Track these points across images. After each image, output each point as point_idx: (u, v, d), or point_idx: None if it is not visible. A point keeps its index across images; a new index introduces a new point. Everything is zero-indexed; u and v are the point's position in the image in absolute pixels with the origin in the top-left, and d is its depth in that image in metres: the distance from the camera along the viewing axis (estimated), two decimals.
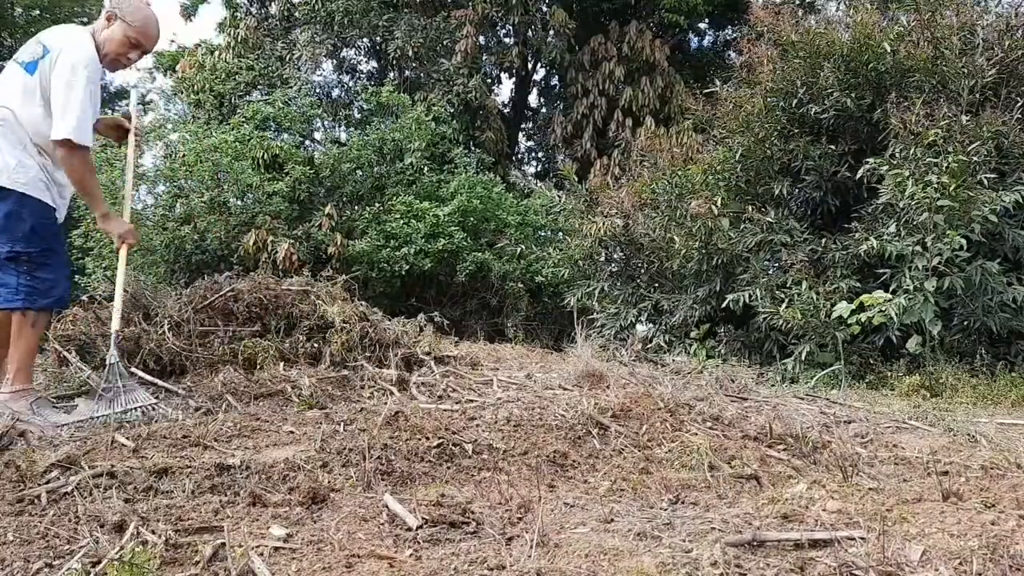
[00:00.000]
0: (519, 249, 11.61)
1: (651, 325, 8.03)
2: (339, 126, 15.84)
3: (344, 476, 2.44)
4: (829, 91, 7.18)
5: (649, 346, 7.54)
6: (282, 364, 3.81)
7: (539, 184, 12.47)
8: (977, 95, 6.55)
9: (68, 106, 3.06)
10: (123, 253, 3.51)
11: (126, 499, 2.16)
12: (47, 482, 2.25)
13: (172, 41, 17.58)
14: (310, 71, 15.45)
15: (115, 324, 3.39)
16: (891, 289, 5.90)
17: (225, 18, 16.20)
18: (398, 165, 12.39)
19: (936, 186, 5.87)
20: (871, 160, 6.54)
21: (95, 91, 3.17)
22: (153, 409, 3.15)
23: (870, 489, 2.52)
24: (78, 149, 3.11)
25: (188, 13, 18.07)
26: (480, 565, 1.80)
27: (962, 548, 1.87)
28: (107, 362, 3.28)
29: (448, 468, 2.61)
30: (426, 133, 12.38)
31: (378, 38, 15.26)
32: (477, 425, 3.05)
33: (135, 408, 3.11)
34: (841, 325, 5.73)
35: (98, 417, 3.04)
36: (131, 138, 3.68)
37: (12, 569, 1.74)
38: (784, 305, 6.31)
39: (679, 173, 8.32)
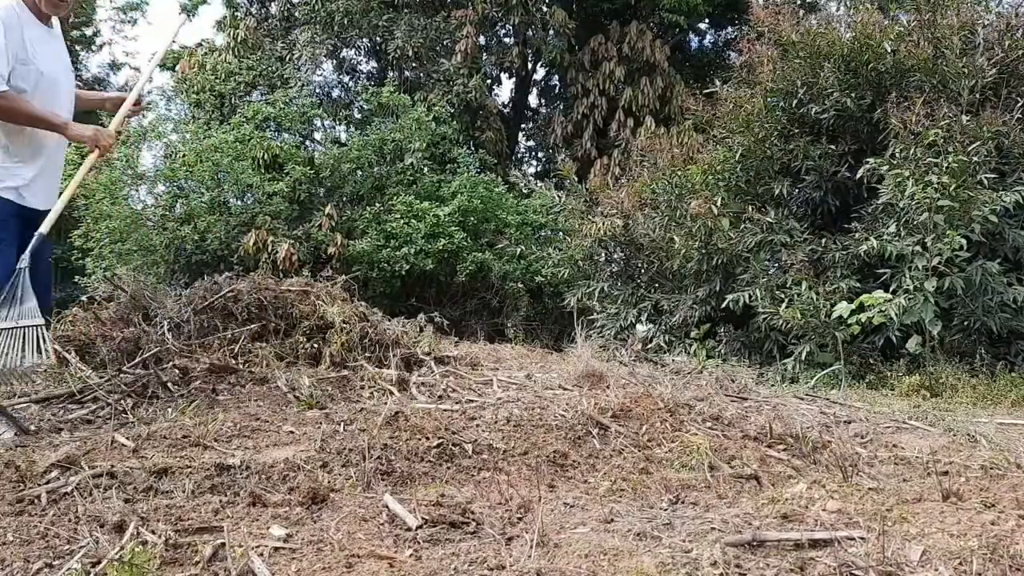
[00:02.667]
0: (519, 249, 11.62)
1: (651, 325, 8.03)
2: (339, 126, 15.85)
3: (344, 476, 2.43)
4: (829, 91, 7.18)
5: (649, 346, 7.54)
6: (283, 364, 3.82)
7: (539, 184, 12.47)
8: (977, 95, 6.55)
9: None
10: (89, 160, 3.29)
11: (126, 499, 2.16)
12: (47, 482, 2.25)
13: (173, 41, 17.57)
14: (310, 71, 15.45)
15: (44, 227, 3.14)
16: (891, 289, 5.90)
17: (224, 17, 16.21)
18: (398, 165, 12.39)
19: (936, 186, 5.87)
20: (871, 160, 6.54)
21: (11, 36, 3.01)
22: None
23: (870, 489, 2.52)
24: None
25: (188, 13, 18.04)
26: (480, 565, 1.80)
27: (962, 548, 1.87)
28: (17, 266, 2.97)
29: (448, 468, 2.60)
30: (426, 133, 12.39)
31: (378, 38, 15.26)
32: (477, 425, 3.05)
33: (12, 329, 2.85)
34: (841, 325, 5.73)
35: None
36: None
37: (12, 569, 1.74)
38: (784, 305, 6.31)
39: (679, 173, 8.32)
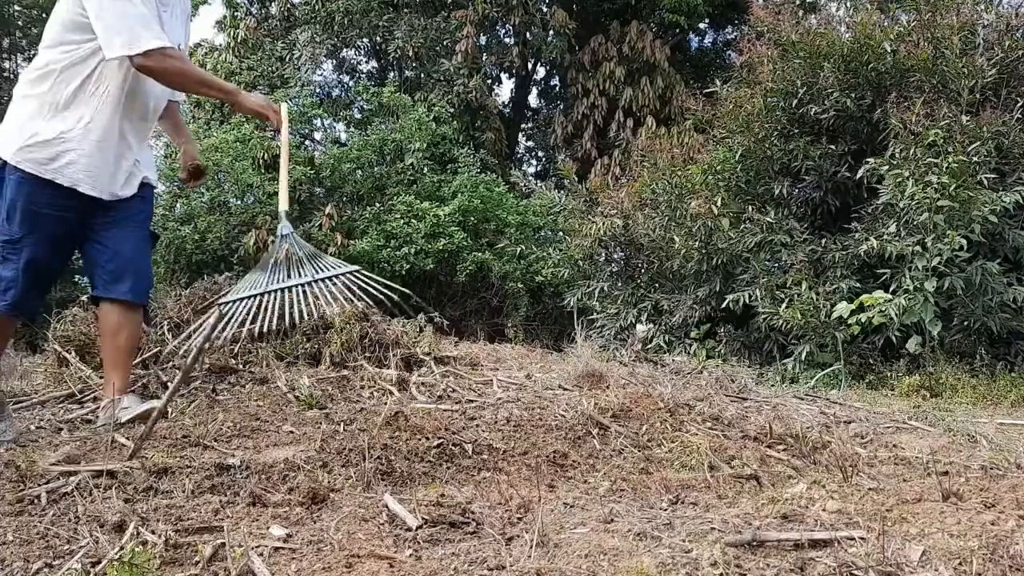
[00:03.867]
0: (519, 249, 11.62)
1: (651, 325, 8.02)
2: (339, 126, 15.87)
3: (344, 476, 2.43)
4: (829, 91, 7.17)
5: (649, 346, 7.54)
6: (282, 364, 3.82)
7: (539, 184, 12.48)
8: (977, 95, 6.55)
9: (104, 16, 2.47)
10: (285, 131, 3.04)
11: (126, 499, 2.16)
12: (47, 482, 2.25)
13: None
14: (310, 71, 15.45)
15: (283, 204, 3.01)
16: (891, 289, 5.90)
17: (224, 17, 16.22)
18: (398, 165, 12.40)
19: (936, 186, 5.87)
20: (871, 160, 6.54)
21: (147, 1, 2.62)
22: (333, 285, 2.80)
23: (870, 489, 2.51)
24: (151, 56, 2.54)
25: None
26: (480, 565, 1.80)
27: (962, 548, 1.87)
28: (279, 233, 2.88)
29: (448, 468, 2.60)
30: (427, 134, 12.40)
31: (378, 38, 15.27)
32: (477, 425, 3.05)
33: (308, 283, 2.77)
34: (841, 325, 5.73)
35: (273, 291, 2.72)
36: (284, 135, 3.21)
37: (12, 569, 1.74)
38: (784, 305, 6.31)
39: (679, 173, 8.32)
